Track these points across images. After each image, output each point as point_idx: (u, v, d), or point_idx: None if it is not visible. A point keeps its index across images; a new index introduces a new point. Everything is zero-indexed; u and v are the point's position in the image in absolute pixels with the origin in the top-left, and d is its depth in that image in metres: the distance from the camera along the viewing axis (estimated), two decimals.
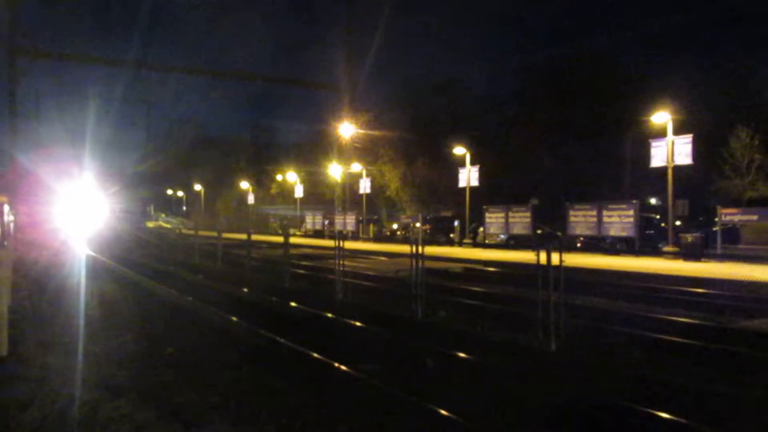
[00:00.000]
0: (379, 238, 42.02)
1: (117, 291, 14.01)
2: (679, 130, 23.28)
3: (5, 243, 8.60)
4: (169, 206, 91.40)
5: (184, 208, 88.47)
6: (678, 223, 27.49)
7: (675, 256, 21.72)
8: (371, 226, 46.48)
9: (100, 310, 10.90)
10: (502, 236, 31.85)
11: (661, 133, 23.94)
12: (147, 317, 10.95)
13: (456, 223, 37.38)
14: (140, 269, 19.75)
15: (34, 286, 14.35)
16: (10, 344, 7.49)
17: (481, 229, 33.64)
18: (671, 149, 22.82)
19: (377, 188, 47.59)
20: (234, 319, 10.44)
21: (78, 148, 53.28)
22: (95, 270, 18.08)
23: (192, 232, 29.40)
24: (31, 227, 41.58)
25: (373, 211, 50.75)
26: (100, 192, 44.94)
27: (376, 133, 45.61)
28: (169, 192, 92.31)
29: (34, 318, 10.28)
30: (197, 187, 79.95)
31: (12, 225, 21.15)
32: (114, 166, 60.39)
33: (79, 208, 44.05)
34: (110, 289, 13.91)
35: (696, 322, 10.31)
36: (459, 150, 35.17)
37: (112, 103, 54.30)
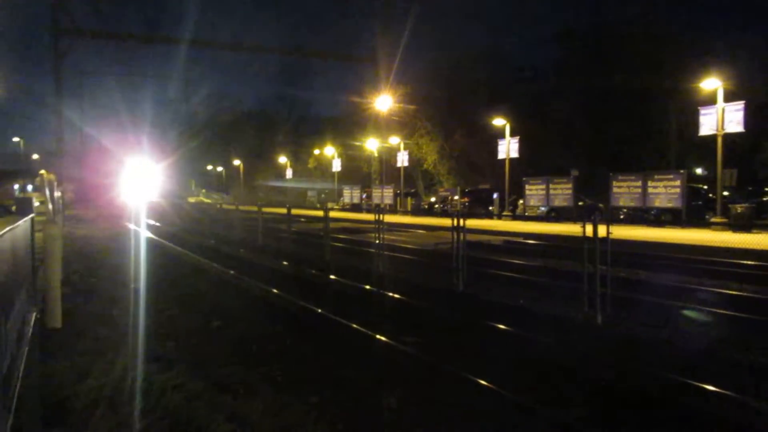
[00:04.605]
0: (417, 212, 41.91)
1: (163, 265, 14.33)
2: (725, 97, 22.36)
3: (55, 219, 8.84)
4: (209, 181, 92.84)
5: (224, 181, 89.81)
6: (726, 193, 26.57)
7: (723, 227, 21.06)
8: (409, 200, 46.35)
9: (147, 283, 11.17)
10: (543, 208, 31.37)
11: (709, 101, 23.06)
12: (192, 291, 11.20)
13: (495, 195, 36.94)
14: (184, 244, 20.17)
15: (83, 261, 14.80)
16: (63, 317, 7.73)
17: (521, 201, 33.20)
18: (721, 117, 21.98)
19: (414, 161, 47.32)
20: (276, 292, 10.58)
21: (120, 126, 54.44)
22: (141, 245, 18.53)
23: (232, 206, 29.84)
24: (80, 203, 42.82)
25: (411, 185, 50.55)
26: (143, 169, 45.88)
27: (413, 106, 45.19)
28: (209, 167, 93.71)
29: (85, 291, 10.60)
30: (236, 162, 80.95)
31: (61, 201, 21.76)
32: (155, 143, 61.46)
33: (123, 185, 45.11)
34: (156, 264, 14.23)
35: (747, 294, 10.00)
36: (498, 121, 34.59)
37: (152, 81, 55.25)
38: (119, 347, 6.65)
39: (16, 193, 59.52)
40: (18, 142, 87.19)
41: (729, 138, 23.22)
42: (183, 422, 4.65)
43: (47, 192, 9.72)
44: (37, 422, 3.74)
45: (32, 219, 3.89)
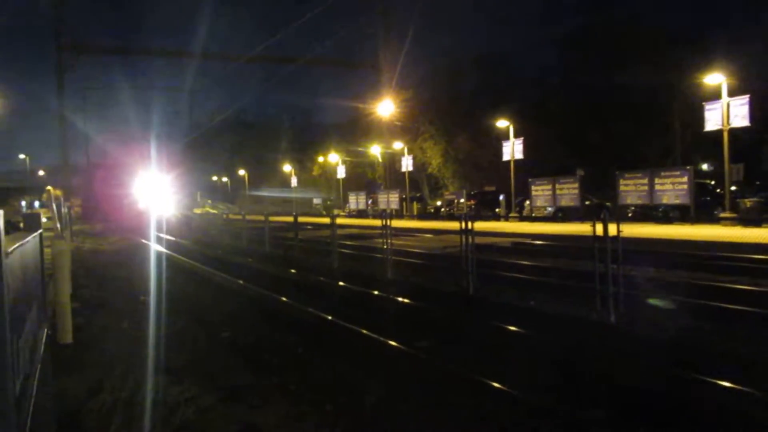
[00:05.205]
0: (423, 216, 41.87)
1: (171, 277, 14.31)
2: (729, 92, 22.26)
3: (63, 234, 8.84)
4: (214, 192, 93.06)
5: (229, 192, 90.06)
6: (733, 188, 26.44)
7: (733, 222, 20.94)
8: (415, 204, 46.31)
9: (156, 295, 11.16)
10: (549, 209, 31.28)
11: (714, 96, 22.97)
12: (201, 302, 11.17)
13: (501, 197, 36.86)
14: (191, 255, 20.16)
15: (92, 275, 14.81)
16: (74, 331, 7.71)
17: (528, 202, 33.11)
18: (726, 111, 21.87)
19: (419, 165, 47.30)
20: (285, 300, 10.54)
21: (125, 139, 54.68)
22: (149, 257, 18.54)
23: (239, 216, 29.88)
24: (87, 218, 42.98)
25: (416, 189, 50.51)
26: (149, 181, 45.99)
27: (416, 110, 45.19)
28: (214, 178, 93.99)
29: (95, 306, 10.59)
30: (241, 172, 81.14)
31: (67, 216, 21.83)
32: (160, 155, 61.63)
33: (130, 198, 45.24)
34: (164, 275, 14.21)
35: (762, 290, 9.89)
36: (502, 123, 34.55)
37: (157, 93, 55.53)
38: (130, 360, 6.62)
39: (24, 209, 59.83)
40: (24, 159, 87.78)
41: (734, 133, 23.11)
42: None
43: (54, 207, 9.73)
44: None
45: (41, 234, 3.87)
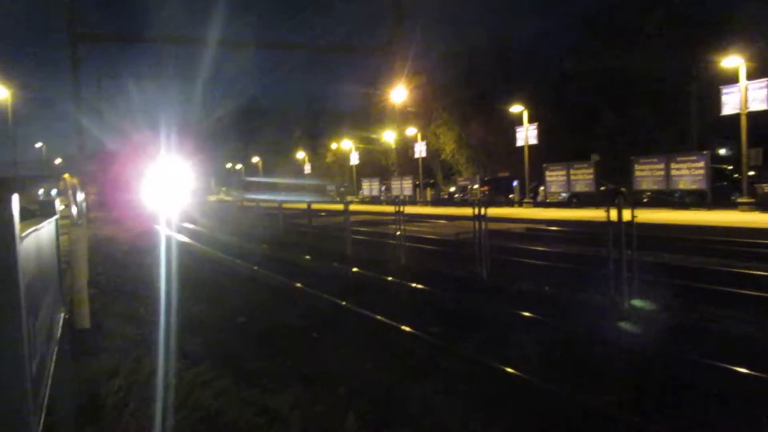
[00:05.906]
0: (436, 202, 41.79)
1: (187, 263, 14.44)
2: (747, 75, 21.89)
3: (80, 221, 8.93)
4: (229, 179, 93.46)
5: (243, 178, 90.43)
6: (751, 173, 26.07)
7: (751, 207, 20.68)
8: (428, 190, 46.21)
9: (172, 281, 11.27)
10: (564, 195, 31.09)
11: (731, 80, 22.61)
12: (216, 287, 11.27)
13: (515, 183, 36.65)
14: (207, 241, 20.31)
15: (108, 262, 14.99)
16: (91, 317, 7.83)
17: (542, 188, 32.91)
18: (744, 95, 21.53)
19: (433, 151, 47.10)
20: (299, 285, 10.61)
21: (139, 127, 55.00)
22: (165, 244, 18.71)
23: (253, 203, 30.02)
24: (103, 205, 43.40)
25: (429, 175, 50.36)
26: (164, 169, 46.26)
27: (429, 96, 44.94)
28: (228, 165, 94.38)
29: (111, 292, 10.73)
30: (255, 159, 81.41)
31: (84, 204, 22.01)
32: (175, 143, 61.88)
33: (145, 186, 45.58)
34: (180, 262, 14.34)
35: None
36: (516, 108, 34.28)
37: (171, 81, 55.71)
38: (147, 345, 6.71)
39: (40, 197, 60.43)
40: (40, 148, 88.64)
41: (752, 117, 22.77)
42: (213, 417, 4.68)
43: (70, 195, 9.82)
44: (69, 420, 3.78)
45: (56, 220, 3.92)
